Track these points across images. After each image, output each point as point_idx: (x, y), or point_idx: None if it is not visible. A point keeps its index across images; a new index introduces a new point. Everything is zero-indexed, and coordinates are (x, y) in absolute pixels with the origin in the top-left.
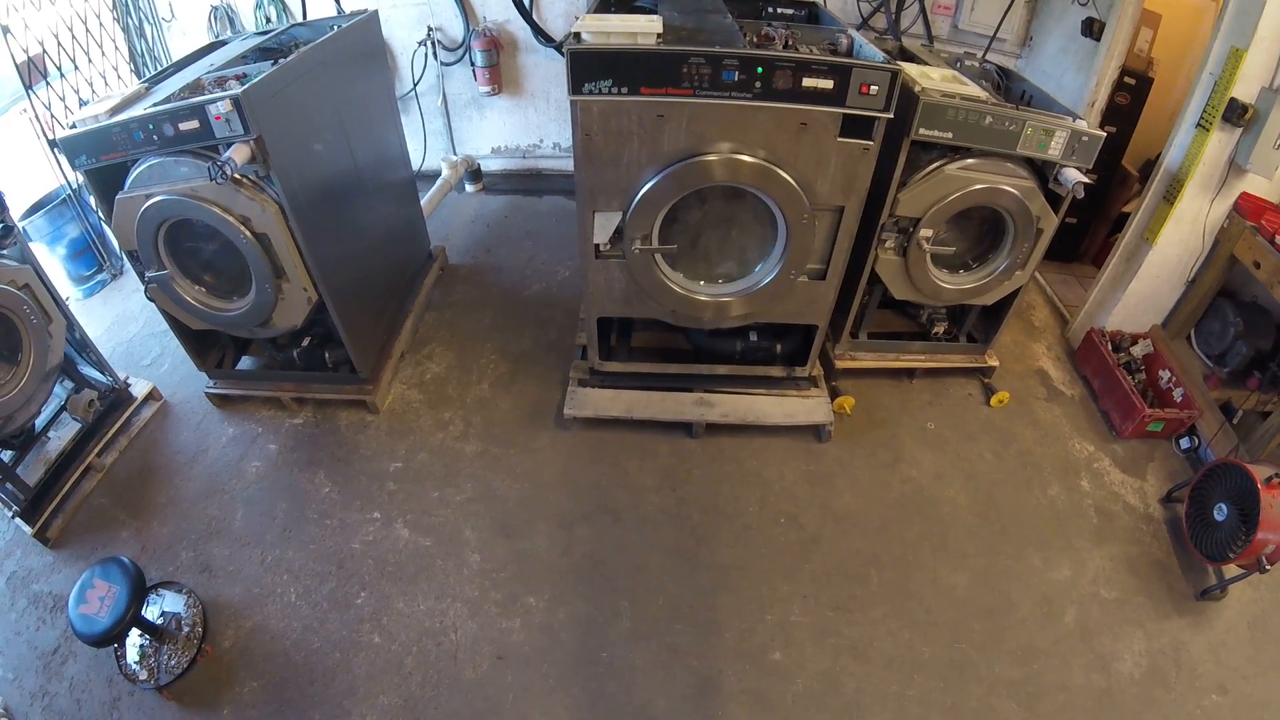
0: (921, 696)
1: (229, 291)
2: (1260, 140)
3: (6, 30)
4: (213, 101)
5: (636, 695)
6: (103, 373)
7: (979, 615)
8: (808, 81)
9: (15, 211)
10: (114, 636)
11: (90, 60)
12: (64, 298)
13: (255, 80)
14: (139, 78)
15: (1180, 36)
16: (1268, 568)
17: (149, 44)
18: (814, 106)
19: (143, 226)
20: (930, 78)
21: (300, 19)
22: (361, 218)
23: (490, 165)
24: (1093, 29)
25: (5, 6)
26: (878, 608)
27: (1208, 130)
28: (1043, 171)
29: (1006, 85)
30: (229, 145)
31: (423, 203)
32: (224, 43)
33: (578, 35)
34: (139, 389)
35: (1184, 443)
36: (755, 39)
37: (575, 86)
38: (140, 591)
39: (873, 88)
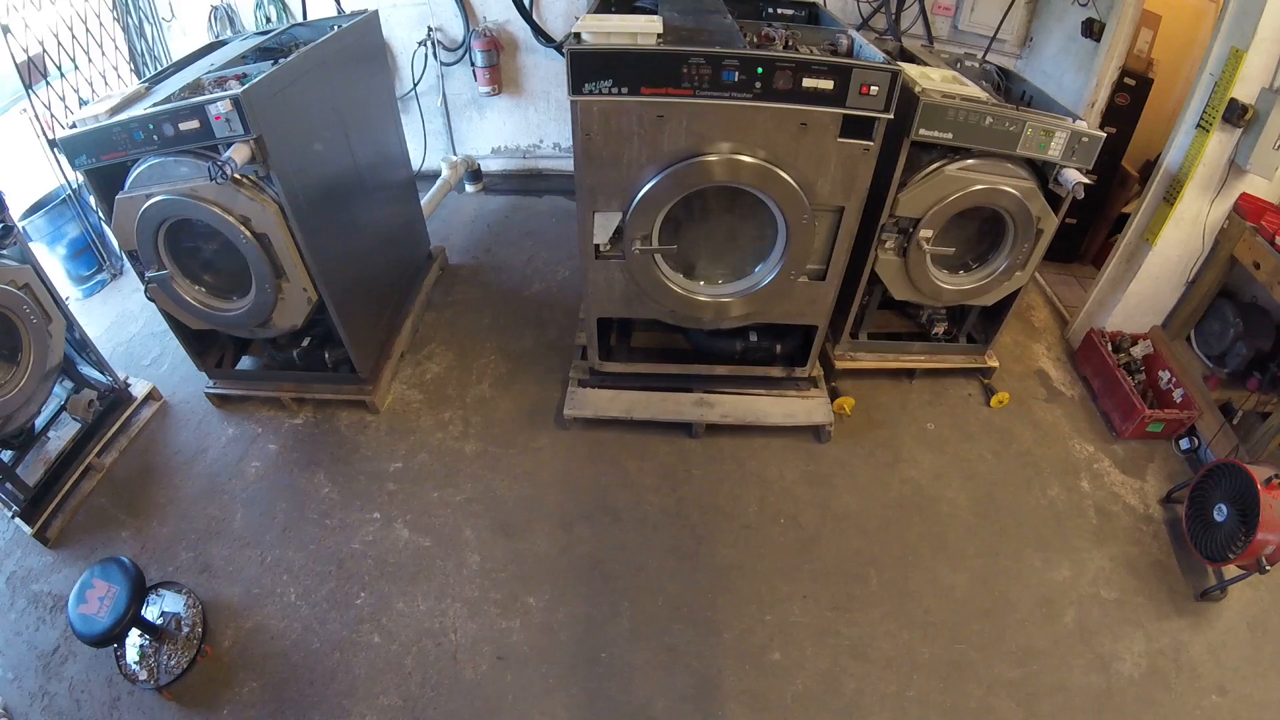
0: (921, 697)
1: (229, 291)
2: (1260, 141)
3: (7, 30)
4: (213, 101)
5: (636, 695)
6: (102, 373)
7: (978, 615)
8: (808, 82)
9: (15, 211)
10: (114, 636)
11: (90, 60)
12: (64, 297)
13: (255, 80)
14: (139, 77)
15: (1180, 37)
16: (1267, 568)
17: (149, 44)
18: (814, 107)
19: (143, 226)
20: (930, 78)
21: (300, 19)
22: (361, 218)
23: (490, 165)
24: (1093, 30)
25: (5, 6)
26: (877, 608)
27: (1208, 131)
28: (1043, 172)
29: (1006, 86)
30: (229, 145)
31: (423, 203)
32: (224, 42)
33: (578, 35)
34: (139, 389)
35: (1184, 443)
36: (755, 39)
37: (575, 86)
38: (140, 591)
39: (873, 88)
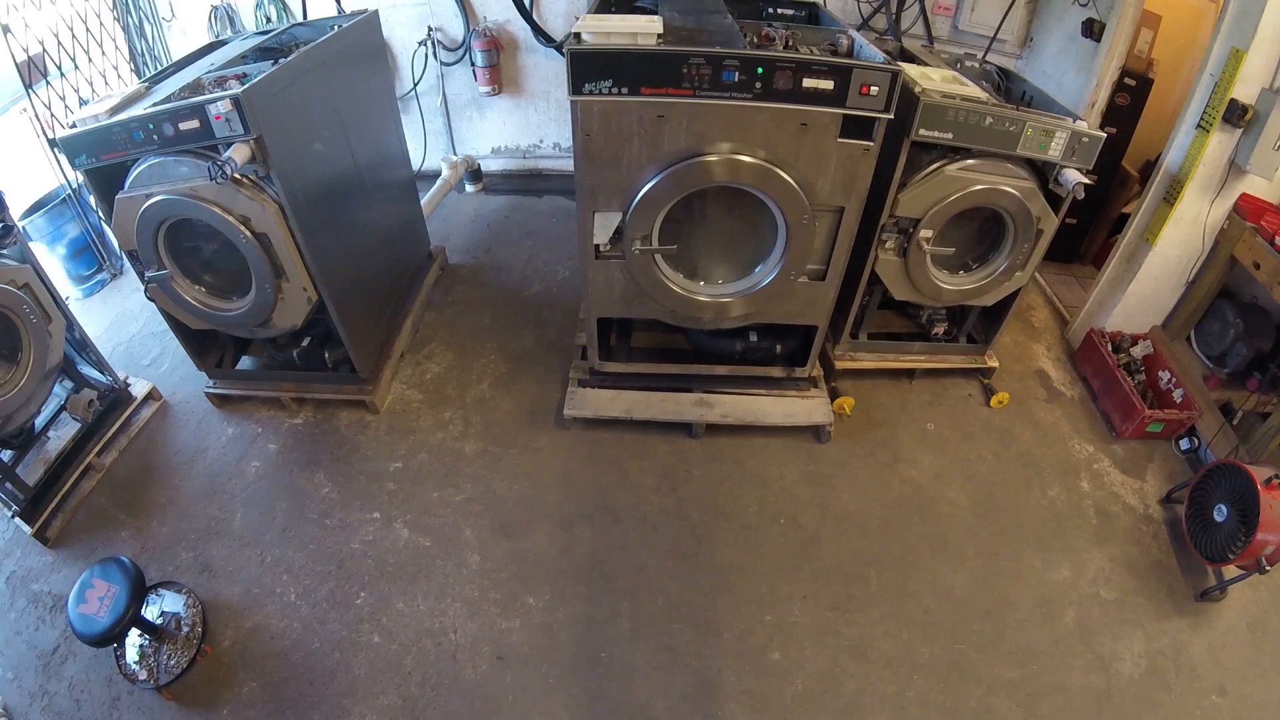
0: (920, 697)
1: (229, 291)
2: (1260, 141)
3: (7, 29)
4: (213, 101)
5: (636, 695)
6: (102, 372)
7: (978, 616)
8: (808, 82)
9: (15, 211)
10: (113, 636)
11: (90, 59)
12: (64, 297)
13: (255, 80)
14: (139, 77)
15: (1180, 37)
16: (1267, 569)
17: (149, 43)
18: (814, 107)
19: (143, 226)
20: (930, 78)
21: (300, 19)
22: (361, 218)
23: (490, 165)
24: (1093, 30)
25: (5, 5)
26: (877, 608)
27: (1208, 131)
28: (1043, 172)
29: (1007, 86)
30: (229, 145)
31: (423, 203)
32: (224, 42)
33: (578, 35)
34: (139, 389)
35: (1184, 444)
36: (755, 39)
37: (575, 86)
38: (140, 591)
39: (873, 88)
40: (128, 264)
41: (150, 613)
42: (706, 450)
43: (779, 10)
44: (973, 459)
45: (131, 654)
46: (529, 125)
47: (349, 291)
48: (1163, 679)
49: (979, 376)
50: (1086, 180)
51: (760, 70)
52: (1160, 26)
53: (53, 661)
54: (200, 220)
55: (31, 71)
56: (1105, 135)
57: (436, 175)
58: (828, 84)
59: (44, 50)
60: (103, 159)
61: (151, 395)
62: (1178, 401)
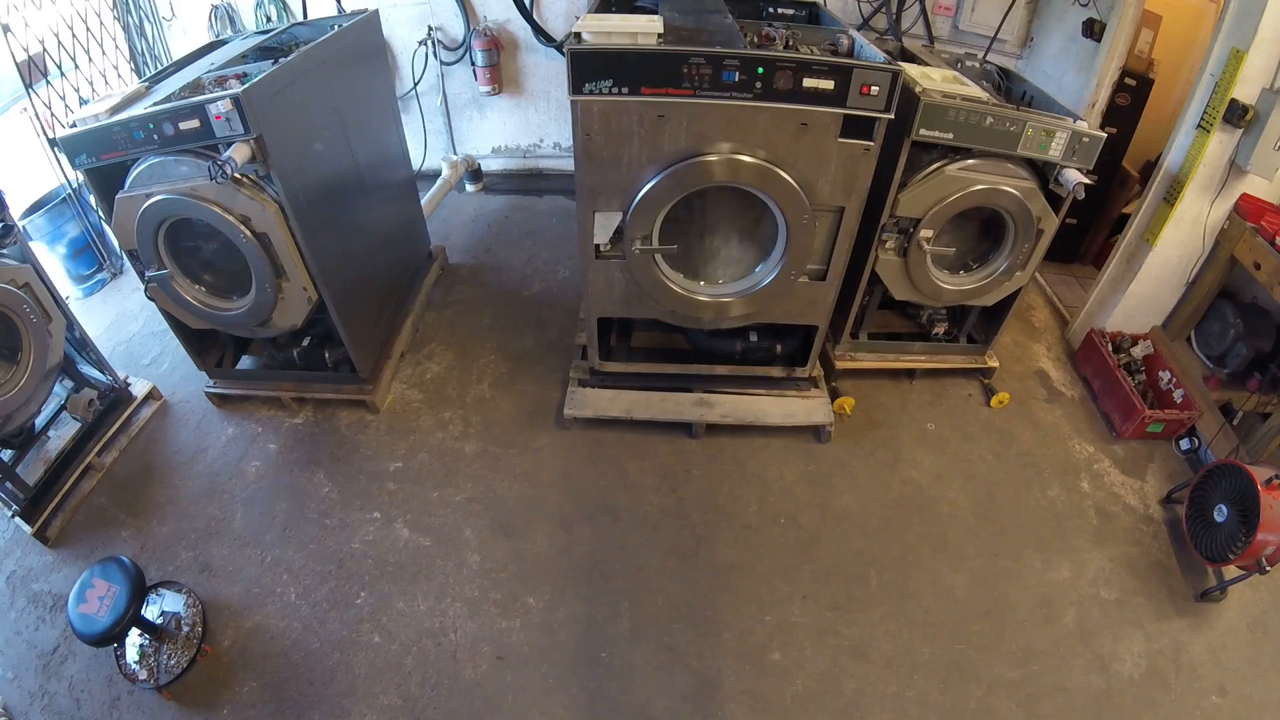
0: (920, 697)
1: (229, 291)
2: (1260, 142)
3: (7, 29)
4: (213, 101)
5: (636, 695)
6: (102, 372)
7: (978, 616)
8: (808, 82)
9: (15, 210)
10: (113, 636)
11: (90, 59)
12: (64, 297)
13: (256, 79)
14: (139, 77)
15: (1181, 38)
16: (1268, 569)
17: (149, 43)
18: (815, 107)
19: (143, 226)
20: (931, 78)
21: (301, 18)
22: (362, 217)
23: (490, 165)
24: (1093, 30)
25: (6, 5)
26: (877, 608)
27: (1208, 131)
28: (1043, 172)
29: (1007, 86)
30: (229, 144)
31: (423, 202)
32: (224, 42)
33: (578, 35)
34: (139, 388)
35: (1184, 444)
36: (756, 39)
37: (576, 86)
38: (140, 591)
39: (873, 88)
40: (128, 263)
41: (150, 612)
42: (706, 450)
43: (779, 10)
44: (973, 459)
45: (131, 654)
46: (529, 125)
47: (349, 291)
48: (1163, 679)
49: (979, 376)
50: (1087, 180)
51: (760, 70)
52: (1160, 26)
53: (53, 661)
54: (200, 220)
55: (32, 71)
56: (1105, 135)
57: (437, 175)
58: (828, 84)
59: (44, 50)
60: (103, 158)
61: (151, 395)
62: (1178, 402)
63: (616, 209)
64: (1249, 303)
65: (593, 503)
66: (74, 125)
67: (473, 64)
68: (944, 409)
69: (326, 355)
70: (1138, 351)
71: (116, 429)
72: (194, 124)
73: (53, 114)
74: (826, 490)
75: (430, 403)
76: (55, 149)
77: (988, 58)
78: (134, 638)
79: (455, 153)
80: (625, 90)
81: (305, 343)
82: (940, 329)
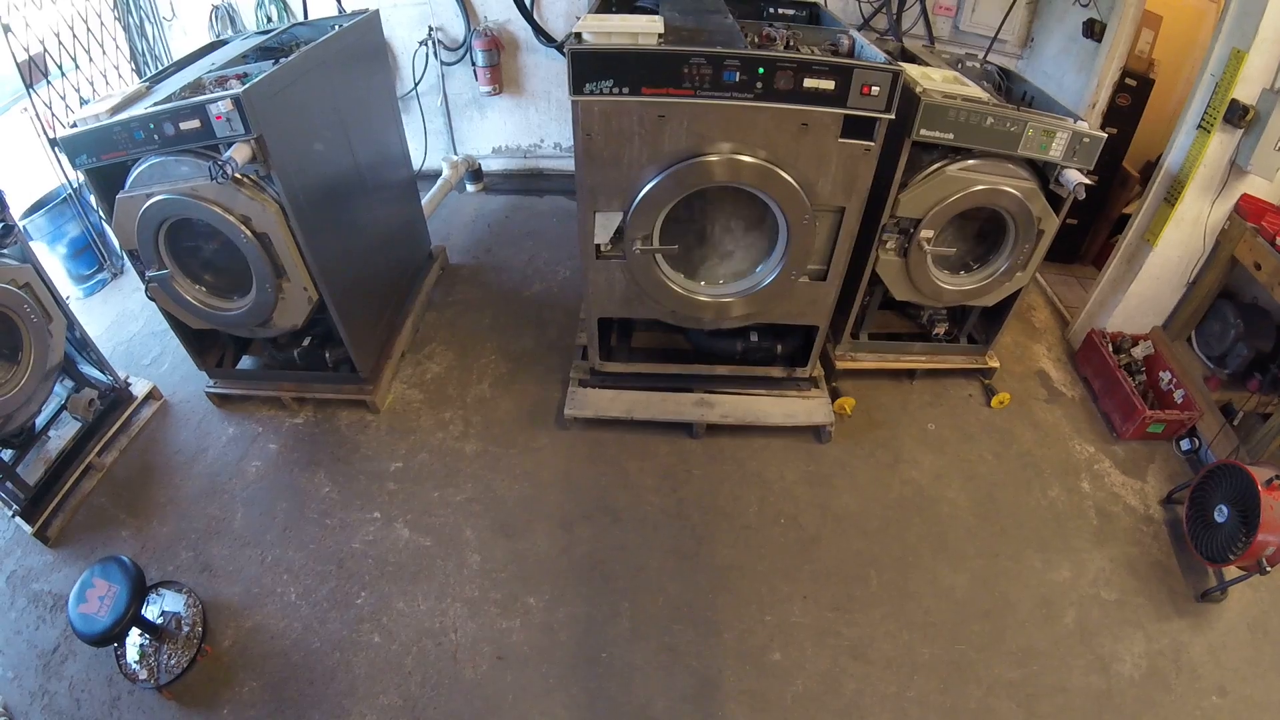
0: (921, 697)
1: (229, 291)
2: (1261, 142)
3: (7, 29)
4: (214, 101)
5: (636, 695)
6: (103, 372)
7: (978, 616)
8: (809, 82)
9: (16, 210)
10: (114, 636)
11: (91, 59)
12: (64, 297)
13: (256, 80)
14: (140, 77)
15: (1181, 38)
16: (1268, 569)
17: (150, 43)
18: (815, 107)
19: (143, 226)
20: (931, 79)
21: (301, 18)
22: (362, 217)
23: (491, 165)
24: (1094, 30)
25: (6, 5)
26: (877, 608)
27: (1209, 132)
28: (1044, 173)
29: (1008, 86)
30: (230, 144)
31: (423, 202)
32: (225, 42)
33: (579, 35)
34: (139, 388)
35: (1184, 444)
36: (756, 39)
37: (576, 86)
38: (140, 591)
39: (874, 89)
40: (128, 263)
41: (151, 612)
42: (707, 450)
43: (780, 10)
44: (973, 459)
45: (132, 653)
46: (530, 125)
47: (350, 291)
48: (1163, 680)
49: (980, 377)
50: (1087, 181)
51: (761, 70)
52: (1161, 27)
53: (53, 661)
54: (201, 220)
55: (32, 71)
56: (1106, 136)
57: (437, 175)
58: (829, 84)
59: (45, 50)
60: (103, 158)
61: (152, 395)
62: (1178, 402)
63: (617, 209)
64: (1249, 303)
65: (593, 503)
66: (74, 125)
67: (473, 64)
68: (944, 409)
69: (327, 355)
70: (1138, 352)
71: (117, 429)
72: (195, 124)
73: (53, 114)
74: (827, 490)
75: (431, 403)
76: (56, 149)
77: (988, 58)
78: (134, 637)
79: (456, 153)
80: (626, 90)
81: (306, 343)
82: (941, 329)
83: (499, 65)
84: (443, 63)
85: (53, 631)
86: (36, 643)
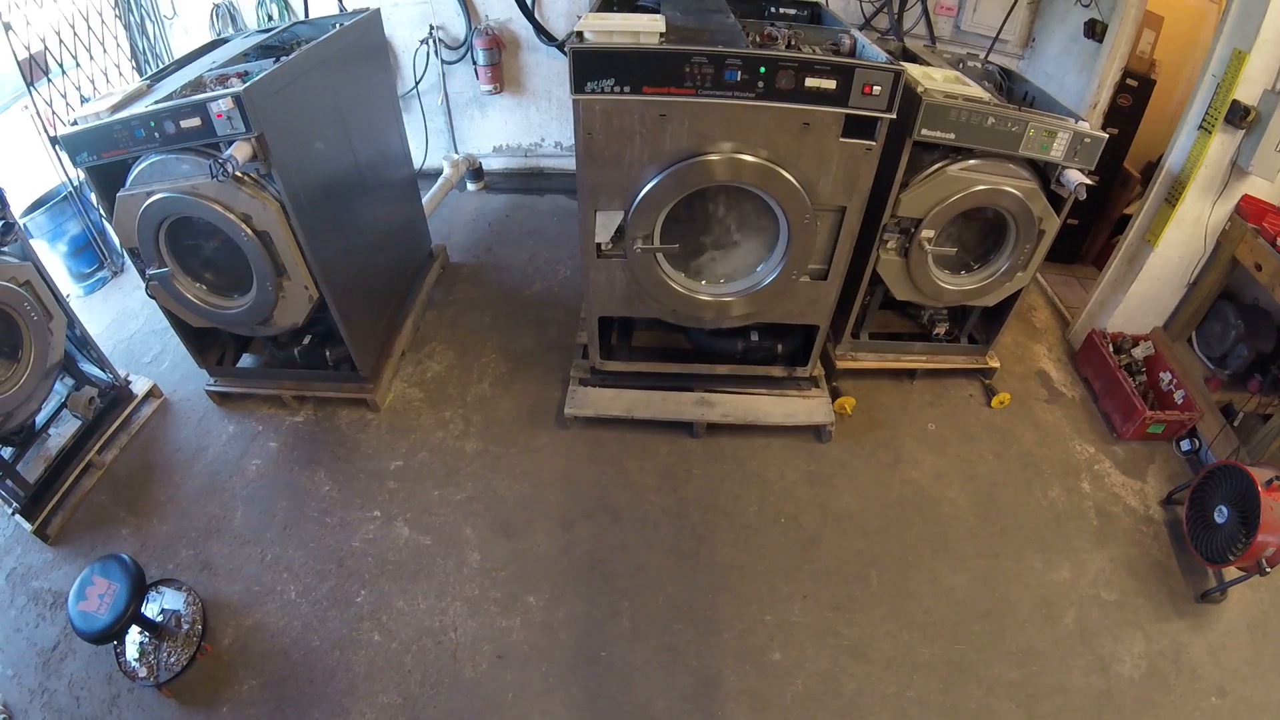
0: (920, 697)
1: (230, 289)
2: (1262, 143)
3: (8, 27)
4: (214, 99)
5: (636, 694)
6: (103, 370)
7: (978, 616)
8: (810, 82)
9: (16, 208)
10: (114, 634)
11: (92, 57)
12: (65, 295)
13: (257, 78)
14: (140, 75)
15: (1183, 38)
16: (1268, 570)
17: (151, 41)
18: (817, 107)
19: (144, 224)
20: (933, 78)
21: (302, 17)
22: (363, 216)
23: (492, 164)
24: (1095, 30)
25: (7, 2)
26: (877, 608)
27: (1210, 132)
28: (1045, 173)
29: (1009, 86)
30: (230, 143)
31: (424, 201)
32: (226, 40)
33: (580, 34)
34: (139, 386)
35: (1185, 445)
36: (758, 39)
37: (578, 85)
38: (140, 589)
39: (875, 88)
40: (129, 262)
41: (150, 610)
42: (707, 450)
43: (781, 10)
44: (973, 459)
45: (131, 651)
46: (530, 124)
47: (350, 290)
48: (1163, 680)
49: (980, 377)
50: (1088, 181)
51: (763, 69)
52: (1162, 27)
53: (53, 659)
54: (201, 218)
55: (33, 69)
56: (1107, 136)
57: (438, 174)
58: (830, 83)
59: (45, 48)
60: (104, 156)
61: (152, 393)
62: (1179, 403)
63: (618, 208)
64: (1250, 304)
65: (593, 502)
66: (75, 123)
67: (474, 63)
68: (945, 409)
69: (327, 354)
70: (1139, 352)
71: (117, 427)
72: (195, 122)
73: (54, 112)
74: (827, 490)
75: (431, 401)
76: (56, 147)
77: (989, 58)
78: (134, 635)
79: (456, 151)
80: (627, 89)
81: (306, 341)
82: (941, 329)
83: (500, 64)
84: (444, 61)
85: (52, 629)
86: (36, 640)
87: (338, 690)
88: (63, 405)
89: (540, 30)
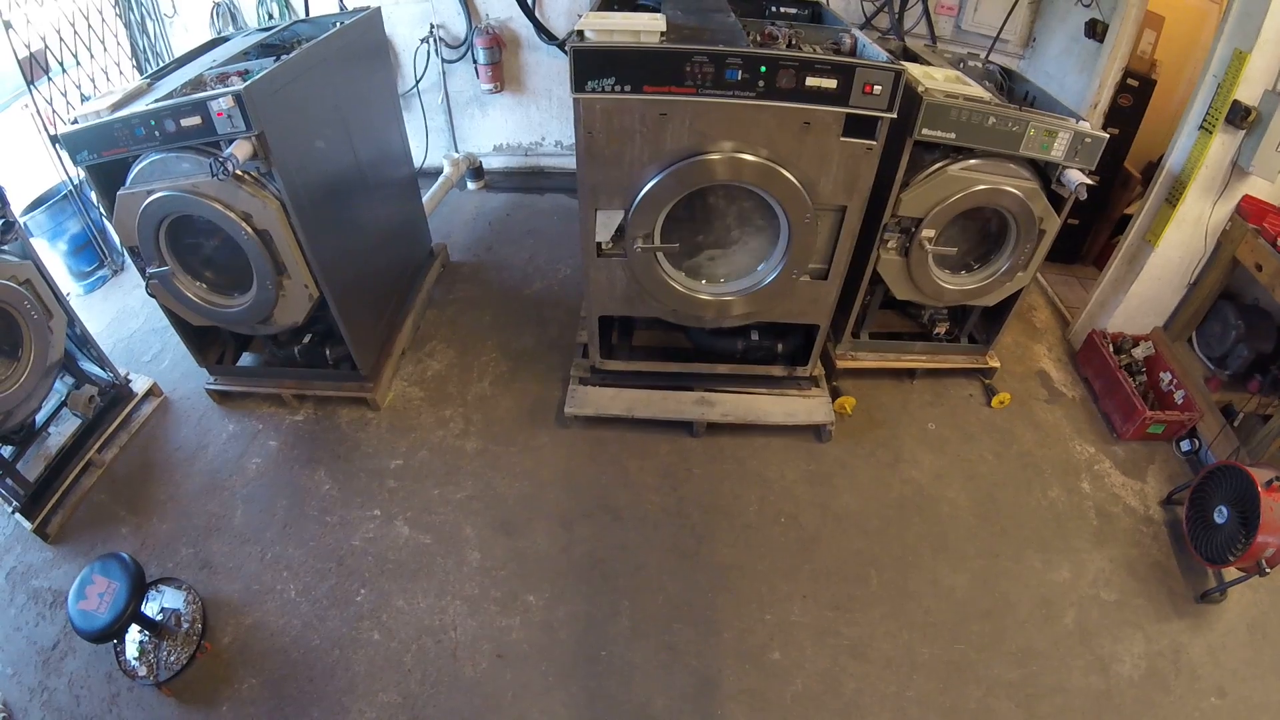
0: (920, 697)
1: (230, 288)
2: (1263, 143)
3: (9, 25)
4: (215, 97)
5: (635, 694)
6: (103, 368)
7: (978, 616)
8: (811, 81)
9: (17, 207)
10: (113, 632)
11: (92, 56)
12: (65, 293)
13: (257, 76)
14: (141, 73)
15: (1183, 38)
16: (1267, 571)
17: (151, 40)
18: (817, 106)
19: (144, 222)
20: (933, 78)
21: (303, 15)
22: (363, 215)
23: (492, 163)
24: (1096, 30)
25: (7, 1)
26: (877, 608)
27: (1210, 133)
28: (1045, 173)
29: (1009, 86)
30: (231, 141)
31: (424, 200)
32: (226, 39)
33: (581, 33)
34: (139, 385)
35: (1185, 445)
36: (758, 38)
37: (578, 84)
38: (140, 588)
39: (876, 88)
40: (129, 260)
41: (150, 609)
42: (707, 449)
43: (782, 9)
44: (973, 459)
45: (131, 650)
46: (531, 123)
47: (350, 288)
48: (1162, 680)
49: (980, 377)
50: (1089, 181)
51: (763, 69)
52: (1163, 27)
53: (52, 657)
54: (202, 217)
55: (33, 67)
56: (1108, 136)
57: (438, 172)
58: (831, 83)
59: (46, 46)
60: (104, 155)
61: (152, 391)
62: (1179, 403)
63: (618, 207)
64: (1250, 304)
65: (593, 501)
66: (75, 122)
67: (474, 62)
68: (945, 409)
69: (327, 352)
70: (1139, 352)
71: (117, 426)
72: (196, 121)
73: (54, 110)
74: (827, 490)
75: (431, 400)
76: (57, 145)
77: (990, 58)
78: (134, 634)
79: (457, 150)
80: (628, 88)
81: (306, 340)
82: (941, 329)
83: (500, 63)
84: (444, 60)
85: (52, 628)
86: (36, 639)
87: (337, 689)
88: (63, 404)
89: (541, 29)
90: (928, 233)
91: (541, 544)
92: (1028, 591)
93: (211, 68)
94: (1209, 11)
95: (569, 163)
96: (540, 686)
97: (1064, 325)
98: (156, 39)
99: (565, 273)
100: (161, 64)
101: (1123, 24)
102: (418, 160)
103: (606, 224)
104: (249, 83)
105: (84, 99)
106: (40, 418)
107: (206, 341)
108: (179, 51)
